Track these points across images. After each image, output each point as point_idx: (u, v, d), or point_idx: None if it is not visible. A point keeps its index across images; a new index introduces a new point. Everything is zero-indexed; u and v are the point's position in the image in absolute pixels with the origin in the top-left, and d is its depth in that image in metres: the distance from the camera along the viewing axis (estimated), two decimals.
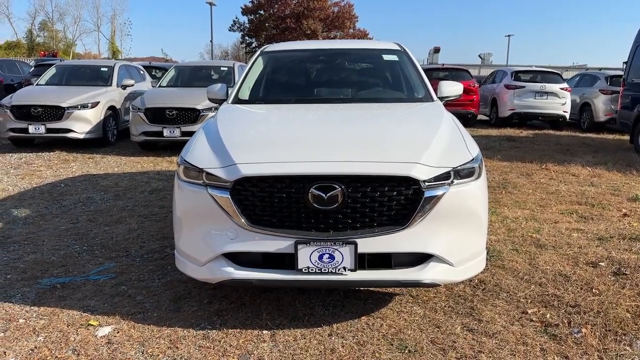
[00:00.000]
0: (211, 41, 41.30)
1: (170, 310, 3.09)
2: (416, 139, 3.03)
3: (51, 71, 10.83)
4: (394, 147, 2.88)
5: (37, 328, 2.86)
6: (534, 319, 3.01)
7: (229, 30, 56.95)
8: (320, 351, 2.66)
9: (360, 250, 2.67)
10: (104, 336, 2.78)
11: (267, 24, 54.82)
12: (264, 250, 2.72)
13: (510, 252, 4.03)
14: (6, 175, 7.10)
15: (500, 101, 14.27)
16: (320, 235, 2.67)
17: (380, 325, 2.92)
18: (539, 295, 3.29)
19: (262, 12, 54.31)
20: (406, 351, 2.66)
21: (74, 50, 63.40)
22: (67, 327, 2.88)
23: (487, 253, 3.86)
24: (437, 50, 44.41)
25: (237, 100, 4.06)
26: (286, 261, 2.71)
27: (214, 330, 2.85)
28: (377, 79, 4.51)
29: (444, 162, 2.78)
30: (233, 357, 2.60)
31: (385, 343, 2.74)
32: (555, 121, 14.10)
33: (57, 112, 8.94)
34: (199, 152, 2.98)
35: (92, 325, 2.89)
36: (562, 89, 13.74)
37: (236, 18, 56.96)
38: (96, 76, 10.73)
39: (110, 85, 10.28)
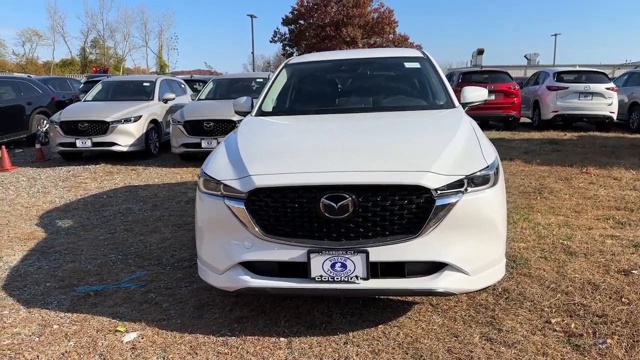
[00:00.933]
0: (252, 52, 42.23)
1: (193, 317, 3.20)
2: (429, 146, 3.02)
3: (97, 87, 11.35)
4: (406, 156, 2.89)
5: (69, 333, 3.03)
6: (557, 328, 2.94)
7: (270, 41, 58.07)
8: (335, 359, 2.70)
9: (373, 259, 2.69)
10: (129, 342, 2.91)
11: (307, 33, 55.41)
12: (278, 259, 2.79)
13: (539, 259, 3.94)
14: (55, 187, 7.50)
15: (542, 103, 13.87)
16: (332, 244, 2.71)
17: (397, 334, 2.92)
18: (565, 304, 3.21)
19: (302, 21, 54.91)
20: None
21: (123, 66, 66.01)
22: (97, 332, 3.03)
23: (514, 261, 3.84)
24: (480, 52, 43.56)
25: (260, 113, 4.16)
26: (300, 270, 2.76)
27: (233, 337, 2.93)
28: (398, 87, 4.52)
29: (457, 170, 2.77)
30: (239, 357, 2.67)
31: (400, 352, 2.75)
32: (601, 122, 13.59)
33: (102, 127, 9.35)
34: (217, 164, 3.09)
35: (119, 331, 3.03)
36: (608, 88, 13.23)
37: (277, 29, 57.83)
38: (139, 91, 11.16)
39: (152, 99, 10.68)
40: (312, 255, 2.71)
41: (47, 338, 2.98)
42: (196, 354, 2.78)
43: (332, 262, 2.71)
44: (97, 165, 9.26)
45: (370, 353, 2.74)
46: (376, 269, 2.75)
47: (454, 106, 3.94)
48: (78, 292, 3.64)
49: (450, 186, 2.72)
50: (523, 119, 14.97)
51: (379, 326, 3.02)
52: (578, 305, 3.19)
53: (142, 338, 2.95)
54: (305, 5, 54.34)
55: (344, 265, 2.70)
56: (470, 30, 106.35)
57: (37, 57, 71.20)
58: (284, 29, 56.57)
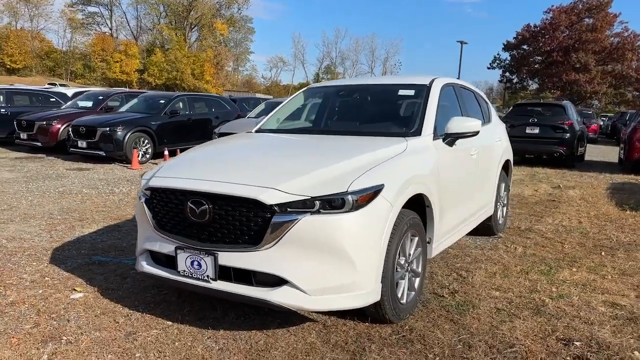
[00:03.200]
0: (458, 78, 41.23)
1: (132, 292, 3.82)
2: (302, 168, 3.08)
3: (261, 107, 12.94)
4: (269, 174, 3.04)
5: (47, 284, 3.93)
6: None
7: (488, 67, 56.12)
8: (186, 346, 3.02)
9: (222, 262, 2.96)
10: (72, 299, 3.67)
11: (530, 59, 52.16)
12: (161, 250, 3.24)
13: (488, 310, 3.54)
14: None
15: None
16: (193, 243, 3.06)
17: (258, 342, 3.09)
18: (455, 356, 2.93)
19: (525, 47, 51.95)
20: None
21: None
22: (62, 287, 3.87)
23: (460, 305, 3.55)
24: None
25: (258, 130, 4.61)
26: (173, 263, 3.17)
27: (138, 312, 3.46)
28: (380, 114, 4.45)
29: (310, 191, 2.85)
30: (121, 332, 3.17)
31: (242, 358, 2.93)
32: None
33: None
34: (157, 167, 3.67)
35: (75, 290, 3.83)
36: None
37: (497, 55, 55.99)
38: None
39: None
40: (178, 252, 3.10)
41: (33, 284, 3.93)
42: (116, 321, 3.38)
43: (192, 260, 3.05)
44: None
45: (217, 351, 2.99)
46: (229, 273, 3.00)
47: (419, 135, 3.81)
48: (92, 259, 4.59)
49: (292, 205, 2.82)
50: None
51: (255, 332, 3.21)
52: None
53: (83, 298, 3.68)
54: (531, 30, 51.33)
55: (199, 264, 3.03)
56: None
57: (280, 80, 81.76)
58: (505, 55, 54.28)
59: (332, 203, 2.86)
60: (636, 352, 2.93)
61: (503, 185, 5.77)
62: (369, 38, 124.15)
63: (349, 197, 2.86)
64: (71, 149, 11.91)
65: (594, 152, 18.09)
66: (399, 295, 3.33)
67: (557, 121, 12.44)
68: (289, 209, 2.83)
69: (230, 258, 2.95)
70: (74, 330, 3.18)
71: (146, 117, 12.43)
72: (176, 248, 3.11)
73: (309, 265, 2.85)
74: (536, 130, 12.62)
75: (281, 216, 2.82)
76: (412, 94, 4.28)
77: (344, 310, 3.31)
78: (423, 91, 4.23)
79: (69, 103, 15.59)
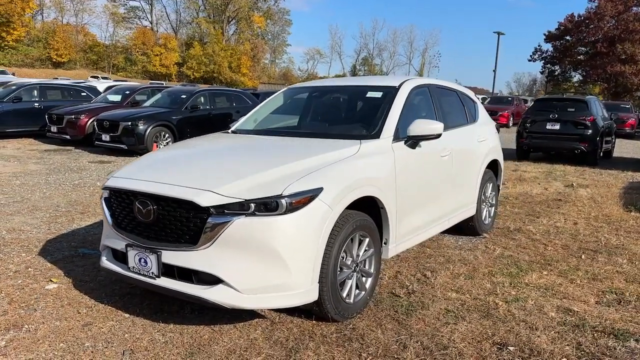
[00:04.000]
0: (494, 70, 40.45)
1: (103, 284, 4.05)
2: (245, 170, 3.21)
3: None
4: (212, 176, 3.18)
5: (29, 274, 4.20)
6: None
7: (529, 60, 54.57)
8: (133, 338, 3.21)
9: (165, 260, 3.13)
10: (47, 289, 3.92)
11: (573, 50, 50.43)
12: (115, 247, 3.44)
13: (439, 309, 3.58)
14: None
15: None
16: (141, 241, 3.23)
17: (209, 338, 3.24)
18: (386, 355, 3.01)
19: (568, 37, 50.25)
20: None
21: None
22: (40, 277, 4.13)
23: (409, 306, 3.61)
24: None
25: (234, 130, 4.75)
26: (125, 259, 3.36)
27: (101, 304, 3.68)
28: (346, 116, 4.51)
29: (244, 194, 2.97)
30: (79, 323, 3.38)
31: (183, 351, 3.08)
32: None
33: None
34: (120, 168, 3.86)
35: (52, 281, 4.08)
36: None
37: (538, 46, 54.37)
38: None
39: None
40: (128, 249, 3.29)
41: (15, 274, 4.21)
42: (87, 308, 3.61)
43: (139, 257, 3.24)
44: None
45: (163, 344, 3.16)
46: (173, 271, 3.16)
47: (377, 137, 3.86)
48: (79, 251, 4.85)
49: (228, 207, 2.95)
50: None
51: (203, 327, 3.37)
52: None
53: (56, 289, 3.93)
54: (574, 20, 49.59)
55: (145, 262, 3.21)
56: None
57: (316, 72, 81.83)
58: (547, 46, 52.67)
59: (267, 206, 2.97)
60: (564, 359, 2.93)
61: (490, 185, 5.73)
62: (407, 28, 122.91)
63: (283, 201, 2.96)
64: (96, 142, 12.41)
65: (627, 148, 17.48)
66: (344, 294, 3.42)
67: (578, 117, 12.09)
68: (225, 211, 2.96)
69: (172, 256, 3.11)
70: (37, 319, 3.42)
71: (167, 111, 12.80)
72: (126, 245, 3.30)
73: (243, 265, 2.98)
74: (557, 126, 12.30)
75: (216, 217, 2.95)
76: (379, 96, 4.32)
77: (293, 308, 3.45)
78: (390, 93, 4.27)
79: (98, 97, 16.20)
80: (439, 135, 4.04)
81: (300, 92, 5.19)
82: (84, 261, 4.58)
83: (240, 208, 2.96)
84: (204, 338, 3.23)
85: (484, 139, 5.49)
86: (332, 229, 3.19)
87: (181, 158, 3.85)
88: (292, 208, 2.98)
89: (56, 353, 3.00)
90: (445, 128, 4.63)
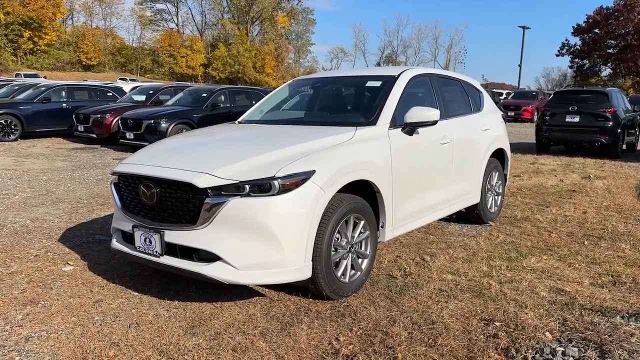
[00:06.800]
0: (519, 65, 39.88)
1: (114, 265, 4.29)
2: (243, 155, 3.40)
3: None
4: (211, 160, 3.38)
5: (48, 258, 4.47)
6: (336, 346, 3.01)
7: (557, 55, 53.52)
8: (140, 313, 3.42)
9: (168, 239, 3.33)
10: (64, 271, 4.18)
11: (602, 44, 49.30)
12: (124, 229, 3.66)
13: (428, 291, 3.69)
14: None
15: None
16: (146, 222, 3.45)
17: (210, 313, 3.43)
18: (367, 335, 3.15)
19: (597, 30, 49.16)
20: (193, 337, 3.14)
21: None
22: (59, 260, 4.39)
23: (401, 287, 3.74)
24: None
25: (240, 120, 4.94)
26: (132, 240, 3.58)
27: (112, 284, 3.91)
28: (346, 104, 4.65)
29: (239, 176, 3.16)
30: (91, 300, 3.61)
31: (184, 325, 3.27)
32: None
33: None
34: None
35: (69, 264, 4.34)
36: None
37: (566, 40, 53.31)
38: None
39: None
40: (135, 230, 3.51)
41: (35, 258, 4.48)
42: (102, 287, 3.85)
43: (145, 237, 3.45)
44: None
45: (167, 318, 3.36)
46: (175, 250, 3.37)
47: (374, 124, 4.00)
48: (96, 238, 5.12)
49: (225, 188, 3.14)
50: None
51: (206, 303, 3.57)
52: (379, 339, 3.08)
53: (72, 270, 4.19)
54: (603, 13, 48.50)
55: (150, 241, 3.42)
56: None
57: None
58: (574, 40, 51.63)
59: (261, 187, 3.15)
60: (547, 333, 3.02)
61: (495, 174, 5.79)
62: (432, 24, 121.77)
63: (276, 182, 3.14)
64: (121, 140, 12.82)
65: None
66: (339, 274, 3.56)
67: (598, 109, 11.93)
68: (222, 192, 3.15)
69: (174, 236, 3.31)
70: (53, 296, 3.67)
71: (189, 110, 13.14)
72: (133, 226, 3.52)
73: (239, 243, 3.16)
74: (576, 119, 12.17)
75: (213, 198, 3.14)
76: (379, 85, 4.46)
77: (291, 287, 3.63)
78: (388, 82, 4.40)
79: (124, 97, 16.70)
80: (435, 122, 4.15)
81: (304, 84, 5.37)
82: (99, 247, 4.83)
83: (236, 189, 3.14)
84: (205, 313, 3.42)
85: (488, 127, 5.55)
86: (325, 210, 3.34)
87: (185, 145, 4.06)
88: (284, 189, 3.15)
89: (67, 325, 3.23)
90: (446, 116, 4.76)
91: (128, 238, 3.73)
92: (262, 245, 3.16)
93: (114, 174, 3.74)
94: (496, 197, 5.90)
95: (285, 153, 3.38)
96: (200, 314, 3.42)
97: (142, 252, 3.50)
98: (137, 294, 3.74)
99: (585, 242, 5.01)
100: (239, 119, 4.98)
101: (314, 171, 3.27)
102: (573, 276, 4.05)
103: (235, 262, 3.15)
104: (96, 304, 3.57)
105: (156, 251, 3.40)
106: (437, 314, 3.35)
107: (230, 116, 13.96)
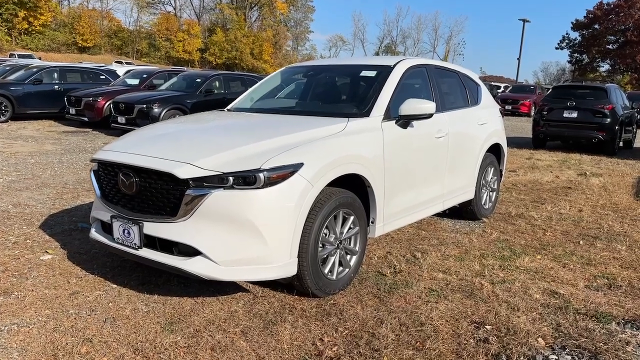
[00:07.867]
0: (518, 59, 39.66)
1: (95, 254, 4.14)
2: (227, 144, 3.24)
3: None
4: (193, 149, 3.22)
5: (26, 245, 4.32)
6: (320, 347, 2.88)
7: (556, 48, 53.29)
8: (117, 307, 3.28)
9: (147, 232, 3.18)
10: (41, 259, 4.03)
11: (602, 39, 49.06)
12: (102, 219, 3.50)
13: (420, 290, 3.57)
14: None
15: None
16: (125, 213, 3.29)
17: (183, 308, 3.29)
18: (351, 335, 3.02)
19: (597, 26, 48.91)
20: (171, 334, 3.01)
21: None
22: (37, 248, 4.24)
23: (392, 286, 3.62)
24: None
25: (230, 108, 4.77)
26: (110, 230, 3.43)
27: (91, 275, 3.76)
28: (339, 94, 4.48)
29: (222, 167, 3.00)
30: (67, 291, 3.47)
31: (163, 320, 3.14)
32: None
33: None
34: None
35: (47, 252, 4.19)
36: None
37: (566, 34, 52.94)
38: None
39: None
40: (113, 220, 3.35)
41: (14, 245, 4.32)
42: (79, 278, 3.70)
43: (123, 228, 3.30)
44: None
45: (145, 313, 3.22)
46: (154, 243, 3.22)
47: (367, 116, 3.84)
48: (78, 226, 4.96)
49: (207, 180, 2.98)
50: None
51: (187, 298, 3.43)
52: (365, 340, 2.95)
53: (50, 260, 4.03)
54: (603, 8, 48.23)
55: (129, 233, 3.27)
56: None
57: None
58: (574, 34, 51.36)
59: (246, 179, 2.99)
60: (540, 339, 2.90)
61: (491, 169, 5.66)
62: (432, 15, 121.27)
63: (261, 175, 2.98)
64: (112, 124, 12.60)
65: None
66: (326, 271, 3.43)
67: (596, 105, 11.80)
68: (204, 184, 2.99)
69: (154, 228, 3.16)
70: (28, 287, 3.52)
71: (182, 95, 12.91)
72: (112, 217, 3.36)
73: (221, 238, 3.01)
74: (574, 115, 12.04)
75: (195, 190, 2.99)
76: (373, 75, 4.29)
77: (276, 283, 3.49)
78: (383, 72, 4.24)
79: (117, 80, 16.43)
80: (430, 115, 4.00)
81: (297, 72, 5.19)
82: (81, 235, 4.68)
83: (219, 181, 2.99)
84: (185, 309, 3.29)
85: (484, 122, 5.40)
86: (313, 205, 3.20)
87: (169, 133, 3.89)
88: (270, 182, 3.00)
89: (40, 319, 3.09)
90: (443, 109, 4.61)
91: (107, 228, 3.58)
92: (245, 240, 3.02)
93: (93, 160, 3.58)
94: (491, 193, 5.77)
95: (272, 144, 3.22)
96: (180, 309, 3.28)
97: (121, 244, 3.35)
98: (116, 286, 3.60)
99: (581, 242, 4.89)
100: (228, 107, 4.81)
101: (302, 164, 3.12)
102: (567, 278, 3.93)
103: (217, 257, 3.01)
104: (72, 296, 3.42)
105: (135, 243, 3.25)
106: (426, 315, 3.22)
107: (224, 102, 13.59)
